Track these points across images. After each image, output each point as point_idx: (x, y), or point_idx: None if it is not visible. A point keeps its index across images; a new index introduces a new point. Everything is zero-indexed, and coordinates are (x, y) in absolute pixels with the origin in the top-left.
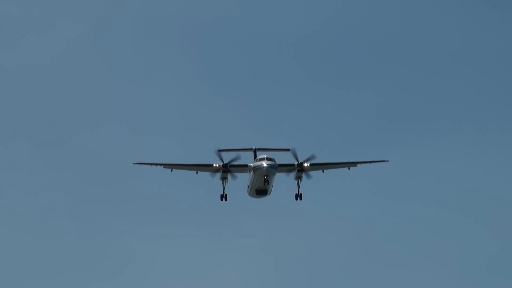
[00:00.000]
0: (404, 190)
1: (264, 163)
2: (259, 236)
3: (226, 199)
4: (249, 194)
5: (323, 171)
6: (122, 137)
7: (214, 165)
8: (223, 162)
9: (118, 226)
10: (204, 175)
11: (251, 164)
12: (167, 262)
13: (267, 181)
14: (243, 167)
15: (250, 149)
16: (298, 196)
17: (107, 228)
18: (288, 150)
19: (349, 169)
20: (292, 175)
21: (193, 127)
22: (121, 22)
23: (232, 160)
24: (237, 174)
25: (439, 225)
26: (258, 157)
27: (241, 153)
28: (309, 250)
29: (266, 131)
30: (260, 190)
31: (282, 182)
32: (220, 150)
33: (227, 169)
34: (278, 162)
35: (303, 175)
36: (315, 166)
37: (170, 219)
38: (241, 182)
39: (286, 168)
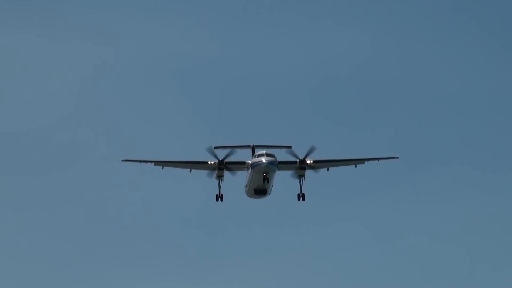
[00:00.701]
0: (415, 189)
1: (264, 159)
2: (258, 240)
3: (222, 200)
4: (247, 194)
5: (327, 169)
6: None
7: (209, 162)
8: (218, 159)
9: (103, 229)
10: (199, 173)
11: (249, 161)
12: (159, 268)
13: (266, 179)
14: (241, 164)
15: (248, 146)
16: (301, 196)
17: (92, 230)
18: (290, 147)
19: (355, 166)
20: (294, 173)
21: (187, 123)
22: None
23: (227, 156)
24: (235, 172)
25: (455, 227)
26: (257, 153)
27: (238, 151)
28: (313, 256)
29: (265, 128)
30: (259, 190)
31: (283, 181)
32: (215, 147)
33: (223, 167)
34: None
35: (306, 173)
36: (319, 164)
37: (161, 223)
38: (239, 181)
39: (287, 165)
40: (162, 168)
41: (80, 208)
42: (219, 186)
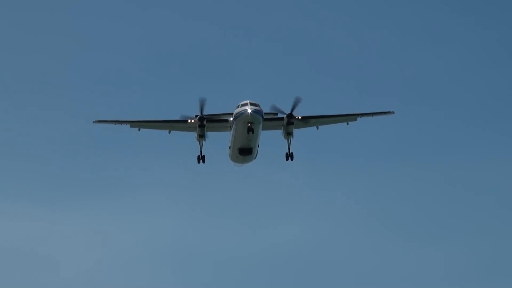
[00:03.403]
0: (413, 148)
1: (248, 108)
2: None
3: (204, 161)
4: (231, 158)
5: (317, 128)
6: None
7: (189, 121)
8: (199, 114)
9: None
10: (179, 135)
11: (231, 119)
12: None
13: (251, 130)
14: (224, 123)
15: (231, 114)
16: (289, 155)
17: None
18: (276, 114)
19: (347, 124)
20: (281, 132)
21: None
22: None
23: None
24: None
25: (454, 192)
26: (240, 103)
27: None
28: (303, 218)
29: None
30: (245, 149)
31: (269, 141)
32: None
33: (204, 124)
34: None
35: (294, 131)
36: (307, 120)
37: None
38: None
39: (273, 122)
40: (139, 130)
41: None
42: (201, 147)
